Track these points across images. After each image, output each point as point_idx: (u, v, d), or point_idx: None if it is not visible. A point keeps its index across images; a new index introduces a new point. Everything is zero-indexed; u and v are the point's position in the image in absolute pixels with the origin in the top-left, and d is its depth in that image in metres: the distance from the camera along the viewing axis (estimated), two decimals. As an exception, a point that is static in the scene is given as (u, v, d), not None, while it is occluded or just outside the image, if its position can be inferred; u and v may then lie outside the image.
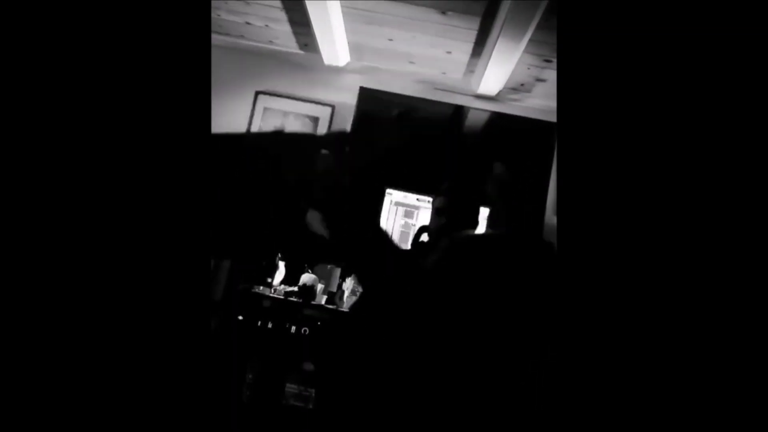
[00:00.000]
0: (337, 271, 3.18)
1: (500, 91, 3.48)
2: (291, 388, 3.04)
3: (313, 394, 2.96)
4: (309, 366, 2.74)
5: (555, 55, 2.95)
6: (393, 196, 3.30)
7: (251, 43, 3.61)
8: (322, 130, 3.65)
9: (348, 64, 3.60)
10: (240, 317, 2.90)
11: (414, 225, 3.29)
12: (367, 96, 3.57)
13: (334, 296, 3.05)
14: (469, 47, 3.13)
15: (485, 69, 3.16)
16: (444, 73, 3.54)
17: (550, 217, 3.22)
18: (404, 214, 3.30)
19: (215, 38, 3.64)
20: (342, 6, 2.91)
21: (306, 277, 3.04)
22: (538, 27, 2.62)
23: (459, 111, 3.62)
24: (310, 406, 2.93)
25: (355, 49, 3.43)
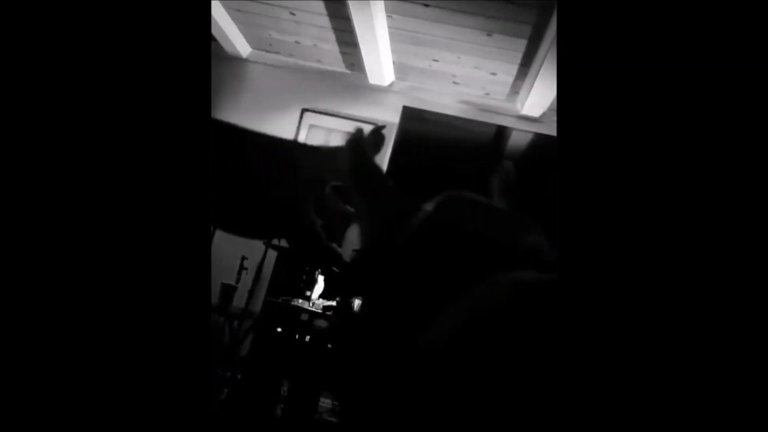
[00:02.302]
0: (375, 288, 3.19)
1: (544, 113, 3.46)
2: (325, 403, 3.04)
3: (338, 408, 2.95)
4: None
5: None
6: (433, 215, 3.30)
7: (300, 62, 3.71)
8: (364, 147, 3.69)
9: (392, 83, 3.66)
10: (279, 329, 2.93)
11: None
12: (410, 115, 3.60)
13: (371, 312, 3.06)
14: (513, 69, 3.14)
15: (530, 90, 3.15)
16: (488, 94, 3.54)
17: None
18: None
19: (265, 56, 3.77)
20: (389, 27, 2.97)
21: (344, 292, 3.06)
22: (586, 49, 2.60)
23: (501, 131, 3.61)
24: (344, 422, 2.92)
25: (399, 69, 3.49)
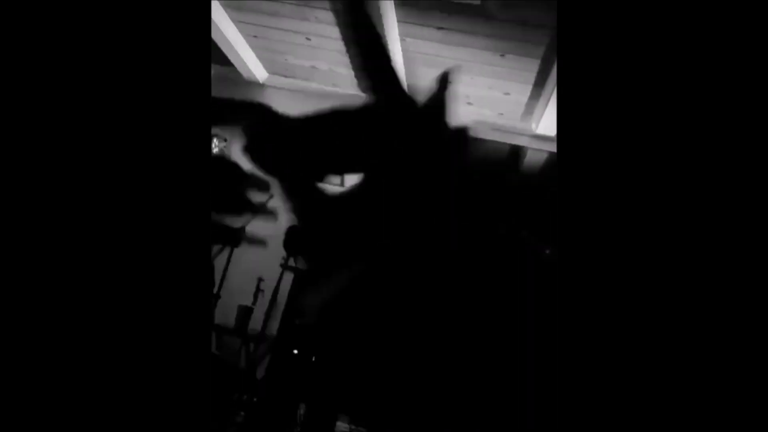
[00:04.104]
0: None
1: (559, 132, 3.45)
2: (341, 426, 3.01)
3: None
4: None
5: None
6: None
7: (316, 85, 3.77)
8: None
9: (407, 105, 3.69)
10: (295, 351, 2.93)
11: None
12: (424, 136, 3.62)
13: (388, 334, 3.03)
14: (527, 89, 3.15)
15: (544, 110, 3.16)
16: (502, 114, 3.56)
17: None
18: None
19: (282, 81, 3.83)
20: (403, 50, 3.01)
21: (360, 314, 3.04)
22: (600, 68, 2.61)
23: (516, 151, 3.61)
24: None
25: (413, 91, 3.52)
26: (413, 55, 3.06)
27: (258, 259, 3.42)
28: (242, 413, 3.05)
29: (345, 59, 3.32)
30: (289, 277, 3.22)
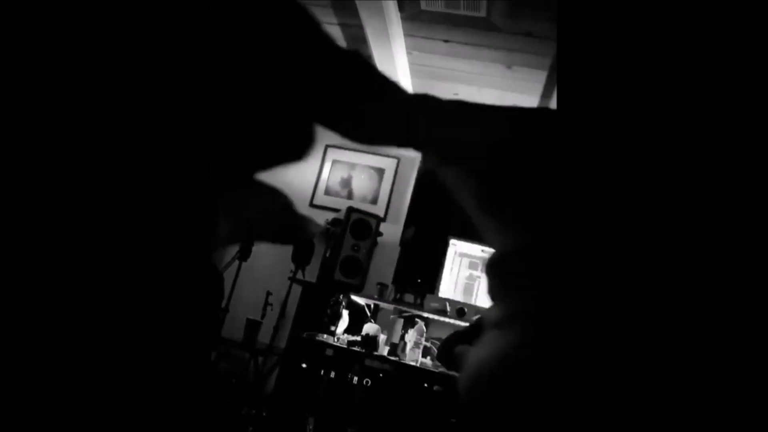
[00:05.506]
0: (400, 322, 3.15)
1: (567, 143, 3.44)
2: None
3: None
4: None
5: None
6: (457, 247, 3.28)
7: (322, 99, 3.79)
8: (387, 181, 3.72)
9: (414, 117, 3.70)
10: (303, 365, 2.92)
11: (479, 277, 3.23)
12: (432, 148, 3.63)
13: (396, 348, 3.02)
14: (535, 100, 3.14)
15: (552, 121, 3.15)
16: (509, 126, 3.55)
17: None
18: (468, 266, 3.26)
19: (289, 95, 3.86)
20: (410, 63, 3.02)
21: (369, 327, 3.03)
22: (607, 79, 2.60)
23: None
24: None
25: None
26: (420, 68, 3.07)
27: (266, 272, 3.42)
28: (251, 428, 3.03)
29: (352, 73, 3.34)
30: (297, 290, 3.22)
